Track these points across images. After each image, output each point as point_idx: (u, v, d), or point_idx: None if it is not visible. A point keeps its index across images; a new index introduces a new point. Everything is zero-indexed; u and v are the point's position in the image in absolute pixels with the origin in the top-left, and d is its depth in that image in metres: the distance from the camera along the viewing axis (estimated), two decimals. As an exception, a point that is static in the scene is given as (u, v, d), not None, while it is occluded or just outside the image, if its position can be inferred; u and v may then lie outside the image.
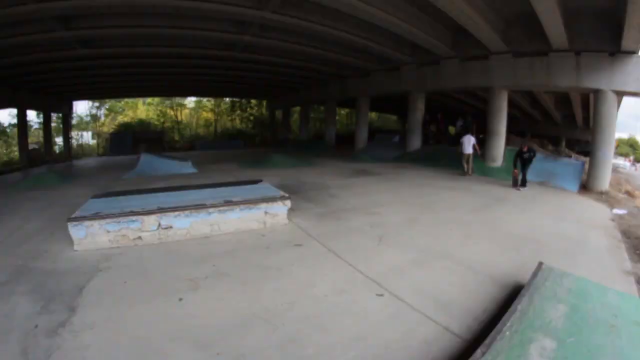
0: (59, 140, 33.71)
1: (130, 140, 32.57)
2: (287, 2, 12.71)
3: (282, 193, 7.57)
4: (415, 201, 9.55)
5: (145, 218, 6.12)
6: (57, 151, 30.72)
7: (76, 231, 5.94)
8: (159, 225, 6.20)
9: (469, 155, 14.62)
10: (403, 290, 4.48)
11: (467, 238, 6.56)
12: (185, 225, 6.38)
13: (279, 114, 39.43)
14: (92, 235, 5.98)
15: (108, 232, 5.99)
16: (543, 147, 20.44)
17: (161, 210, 6.25)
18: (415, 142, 19.71)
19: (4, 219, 8.01)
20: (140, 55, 18.61)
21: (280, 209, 7.20)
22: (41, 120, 29.99)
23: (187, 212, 6.37)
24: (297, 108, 38.12)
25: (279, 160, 17.31)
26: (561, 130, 34.17)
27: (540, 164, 13.29)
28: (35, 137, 32.31)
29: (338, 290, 4.50)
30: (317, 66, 21.17)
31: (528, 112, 28.73)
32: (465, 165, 14.63)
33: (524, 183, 11.97)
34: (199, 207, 6.53)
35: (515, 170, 12.06)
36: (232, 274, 5.06)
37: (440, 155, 17.19)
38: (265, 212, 7.04)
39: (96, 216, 5.99)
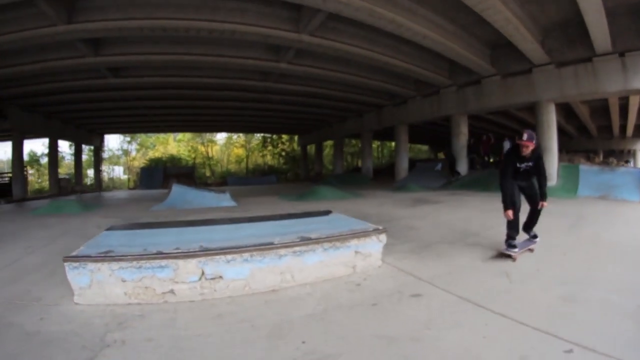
0: (90, 172, 33.95)
1: (160, 175, 31.87)
2: (325, 25, 11.92)
3: (373, 225, 5.33)
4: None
5: (181, 263, 3.96)
6: (88, 183, 31.00)
7: (76, 276, 3.90)
8: (202, 274, 4.01)
9: None
10: (588, 339, 2.98)
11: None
12: (243, 274, 4.16)
13: (310, 148, 38.20)
14: (99, 284, 3.90)
15: (123, 281, 3.89)
16: (590, 160, 19.39)
17: (205, 251, 4.07)
18: (461, 168, 18.77)
19: (1, 247, 6.79)
20: (171, 86, 18.07)
21: (374, 247, 4.95)
22: (73, 151, 30.50)
23: (245, 255, 4.14)
24: (329, 142, 37.40)
25: (325, 192, 15.41)
26: (597, 142, 32.75)
27: (596, 177, 13.12)
28: (67, 169, 33.05)
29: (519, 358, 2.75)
30: (353, 95, 20.28)
31: (562, 127, 26.76)
32: None
33: None
34: (265, 247, 4.29)
35: None
36: (341, 358, 2.81)
37: (489, 179, 15.58)
38: (356, 252, 4.78)
39: (106, 257, 3.93)
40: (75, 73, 15.67)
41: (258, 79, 17.37)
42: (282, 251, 4.34)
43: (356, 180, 25.44)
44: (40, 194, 23.55)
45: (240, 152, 45.21)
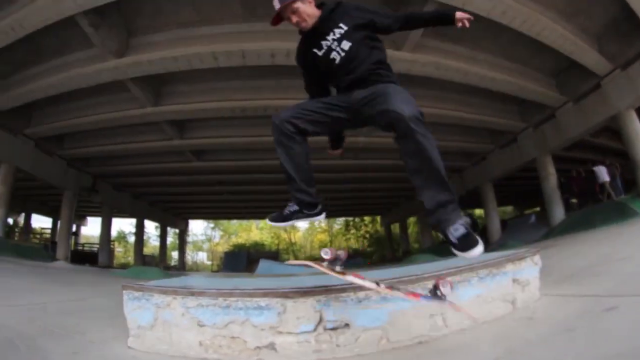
0: (174, 254, 35.29)
1: (244, 259, 31.35)
2: None
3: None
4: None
5: (290, 304, 2.64)
6: (172, 264, 31.44)
7: (135, 310, 2.81)
8: (320, 321, 2.63)
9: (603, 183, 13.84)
10: None
11: None
12: (380, 320, 2.72)
13: (394, 227, 36.23)
14: (165, 326, 2.70)
15: (201, 325, 2.65)
16: None
17: (327, 288, 2.72)
18: (558, 212, 16.63)
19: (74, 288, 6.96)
20: (250, 169, 18.31)
21: (530, 272, 3.40)
22: (158, 233, 31.61)
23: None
24: (412, 220, 35.07)
25: (424, 258, 14.08)
26: None
27: None
28: (152, 249, 33.91)
29: None
30: None
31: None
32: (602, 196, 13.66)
33: None
34: (410, 278, 2.88)
35: None
36: None
37: (590, 215, 13.54)
38: (513, 280, 3.24)
39: (180, 289, 2.79)
40: (162, 155, 16.47)
41: (337, 157, 16.85)
42: (431, 283, 2.87)
43: (449, 251, 23.14)
44: (124, 267, 24.50)
45: (323, 237, 44.66)
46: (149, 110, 11.99)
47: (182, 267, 29.50)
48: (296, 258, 39.24)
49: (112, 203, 22.04)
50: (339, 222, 44.10)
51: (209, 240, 43.58)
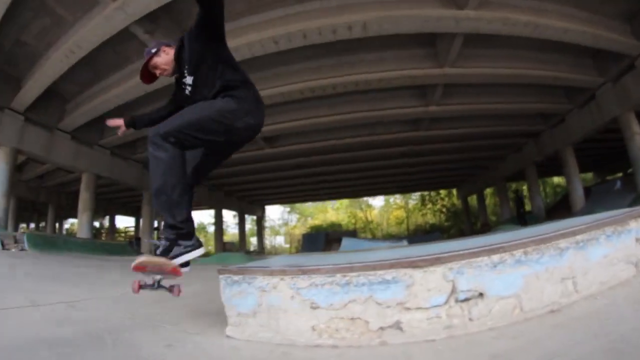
0: (253, 240, 36.56)
1: (322, 240, 31.47)
2: (463, 54, 11.02)
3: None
4: None
5: (419, 274, 2.23)
6: (251, 249, 32.36)
7: (235, 296, 2.53)
8: (453, 291, 2.21)
9: None
10: None
11: None
12: (514, 286, 2.28)
13: (471, 200, 34.61)
14: (271, 311, 2.40)
15: (314, 307, 2.31)
16: None
17: (459, 254, 2.28)
18: None
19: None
20: (321, 151, 18.15)
21: None
22: (237, 221, 32.98)
23: (517, 252, 2.29)
24: (488, 191, 33.62)
25: (509, 228, 13.28)
26: None
27: None
28: (231, 237, 35.42)
29: None
30: (506, 127, 17.50)
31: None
32: None
33: None
34: (542, 238, 2.41)
35: None
36: None
37: None
38: (637, 239, 2.76)
39: (290, 268, 2.45)
40: None
41: (409, 129, 16.31)
42: (562, 243, 2.41)
43: (533, 220, 21.61)
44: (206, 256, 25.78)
45: (400, 213, 43.92)
46: None
47: (261, 252, 30.28)
48: (373, 236, 38.89)
49: (191, 197, 23.01)
50: (414, 198, 43.02)
51: (286, 224, 44.56)
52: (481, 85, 13.10)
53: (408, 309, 2.22)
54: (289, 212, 44.85)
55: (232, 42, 9.42)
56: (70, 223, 38.44)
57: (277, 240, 43.17)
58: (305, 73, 11.48)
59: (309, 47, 10.37)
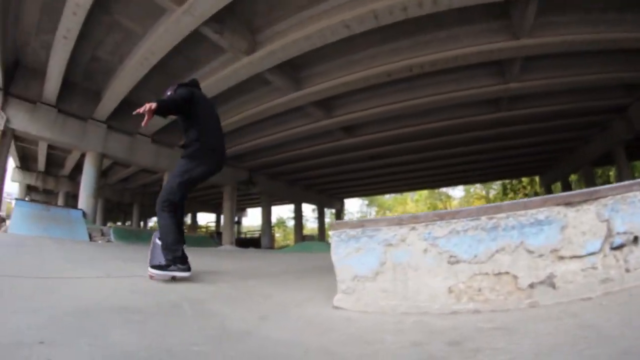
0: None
1: None
2: (538, 22, 9.88)
3: None
4: None
5: (571, 215, 1.80)
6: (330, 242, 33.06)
7: (350, 255, 2.17)
8: (608, 235, 1.77)
9: None
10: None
11: None
12: None
13: (555, 187, 31.50)
14: (398, 269, 2.00)
15: (452, 262, 1.90)
16: None
17: (611, 188, 1.82)
18: None
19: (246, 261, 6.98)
20: (400, 139, 17.33)
21: None
22: (316, 215, 33.25)
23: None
24: (573, 177, 29.96)
25: None
26: None
27: None
28: (309, 231, 35.79)
29: None
30: (589, 102, 15.27)
31: None
32: None
33: None
34: None
35: None
36: None
37: None
38: None
39: (424, 215, 2.03)
40: (312, 139, 16.71)
41: (488, 111, 15.08)
42: None
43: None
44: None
45: (480, 203, 42.22)
46: (292, 96, 12.19)
47: None
48: None
49: (269, 192, 23.45)
50: (495, 187, 40.98)
51: (365, 217, 44.85)
52: (561, 55, 11.82)
53: (562, 258, 1.79)
54: (368, 205, 44.70)
55: (302, 32, 9.38)
56: (154, 221, 41.04)
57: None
58: (380, 57, 10.97)
59: (381, 30, 9.93)
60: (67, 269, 3.98)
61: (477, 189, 41.20)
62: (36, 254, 5.01)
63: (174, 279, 3.39)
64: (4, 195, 16.37)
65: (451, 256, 1.88)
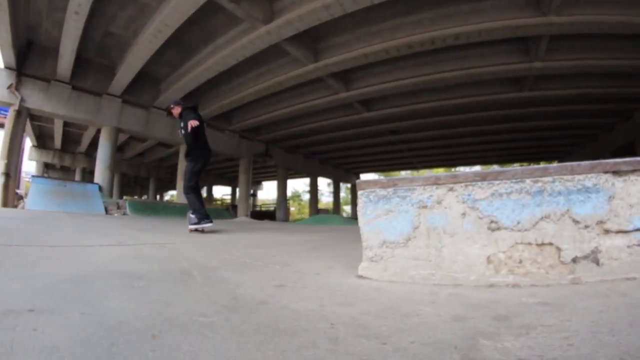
0: (347, 208, 37.15)
1: None
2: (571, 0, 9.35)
3: None
4: None
5: (619, 185, 1.61)
6: (345, 216, 33.17)
7: (380, 216, 1.95)
8: None
9: None
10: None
11: None
12: None
13: None
14: (432, 235, 1.79)
15: (494, 228, 1.69)
16: None
17: None
18: None
19: (265, 234, 6.59)
20: (419, 114, 17.00)
21: None
22: (331, 189, 33.28)
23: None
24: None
25: None
26: None
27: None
28: (324, 206, 35.65)
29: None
30: (615, 88, 14.28)
31: None
32: None
33: None
34: None
35: None
36: None
37: None
38: None
39: (462, 175, 1.82)
40: (330, 111, 16.49)
41: (511, 90, 14.52)
42: None
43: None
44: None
45: None
46: (310, 67, 11.95)
47: (355, 218, 31.06)
48: None
49: (286, 165, 23.34)
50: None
51: None
52: (589, 36, 11.25)
53: (607, 231, 1.61)
54: (384, 182, 45.09)
55: (321, 0, 9.00)
56: (170, 195, 41.50)
57: (370, 210, 43.68)
58: (402, 29, 10.62)
59: (404, 1, 9.79)
60: (76, 238, 3.95)
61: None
62: (48, 226, 4.99)
63: (202, 230, 5.48)
64: (22, 174, 16.70)
65: (492, 222, 1.68)
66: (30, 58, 12.05)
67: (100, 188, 12.98)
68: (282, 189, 23.79)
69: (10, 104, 12.10)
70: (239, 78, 13.47)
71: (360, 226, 2.06)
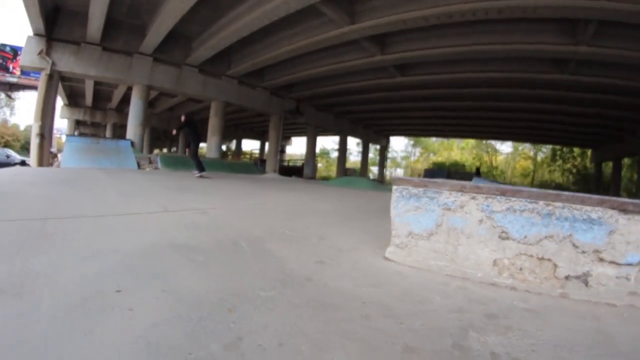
0: (374, 169, 37.07)
1: (444, 177, 30.08)
2: None
3: None
4: None
5: (623, 222, 1.84)
6: (371, 177, 32.94)
7: (409, 210, 2.31)
8: None
9: None
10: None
11: None
12: None
13: (605, 166, 29.41)
14: (451, 234, 2.15)
15: (503, 237, 2.01)
16: None
17: None
18: None
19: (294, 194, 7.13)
20: (456, 84, 16.75)
21: None
22: (360, 149, 33.34)
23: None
24: (626, 161, 28.38)
25: None
26: None
27: None
28: (352, 165, 35.83)
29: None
30: None
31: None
32: None
33: None
34: None
35: None
36: None
37: None
38: None
39: (486, 187, 2.14)
40: (363, 73, 16.43)
41: (551, 71, 13.90)
42: None
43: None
44: (327, 179, 27.40)
45: (526, 165, 39.91)
46: (346, 30, 11.79)
47: (382, 181, 30.83)
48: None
49: (316, 123, 23.36)
50: (544, 150, 38.57)
51: (408, 157, 43.72)
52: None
53: (602, 260, 1.87)
54: (413, 145, 43.83)
55: None
56: (199, 148, 42.28)
57: (397, 172, 42.71)
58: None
59: None
60: (120, 204, 4.30)
61: (526, 148, 39.10)
62: (89, 190, 5.34)
63: (202, 177, 9.09)
64: (54, 131, 17.53)
65: (503, 232, 1.98)
66: (59, 23, 12.37)
67: (132, 144, 13.56)
68: (311, 146, 24.04)
69: (42, 69, 12.51)
70: (273, 37, 13.44)
71: (391, 216, 2.39)
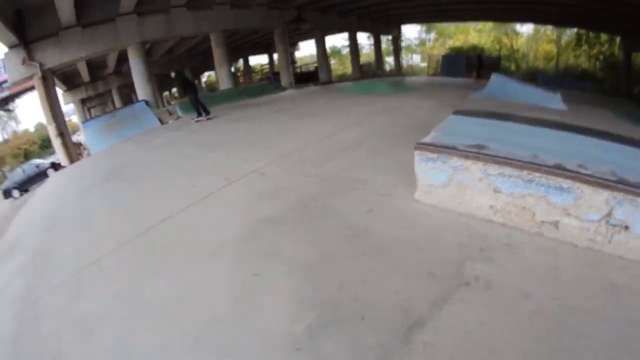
0: (389, 59, 36.26)
1: (464, 64, 27.66)
2: None
3: None
4: None
5: (588, 192, 2.57)
6: (387, 69, 32.45)
7: (429, 170, 3.18)
8: (607, 215, 2.55)
9: None
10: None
11: None
12: None
13: (636, 57, 27.13)
14: (459, 187, 3.04)
15: (496, 191, 2.89)
16: None
17: (626, 186, 2.48)
18: None
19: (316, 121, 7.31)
20: None
21: None
22: (371, 42, 32.68)
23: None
24: None
25: None
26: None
27: None
28: (366, 58, 35.23)
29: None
30: None
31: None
32: None
33: None
34: None
35: None
36: None
37: None
38: None
39: (482, 154, 2.90)
40: None
41: None
42: None
43: None
44: (343, 79, 27.15)
45: (549, 48, 36.92)
46: None
47: (397, 72, 30.48)
48: (517, 68, 34.62)
49: (321, 26, 22.67)
50: (568, 35, 35.38)
51: (423, 44, 42.01)
52: None
53: (569, 214, 2.64)
54: (426, 31, 41.92)
55: None
56: (206, 75, 41.96)
57: (413, 59, 41.39)
58: None
59: None
60: (184, 182, 4.87)
61: (549, 30, 36.36)
62: (145, 180, 5.63)
63: (209, 119, 10.24)
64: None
65: (496, 188, 2.84)
66: (28, 24, 11.93)
67: (147, 103, 13.81)
68: (321, 49, 23.63)
69: (33, 75, 12.47)
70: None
71: (416, 173, 3.25)
